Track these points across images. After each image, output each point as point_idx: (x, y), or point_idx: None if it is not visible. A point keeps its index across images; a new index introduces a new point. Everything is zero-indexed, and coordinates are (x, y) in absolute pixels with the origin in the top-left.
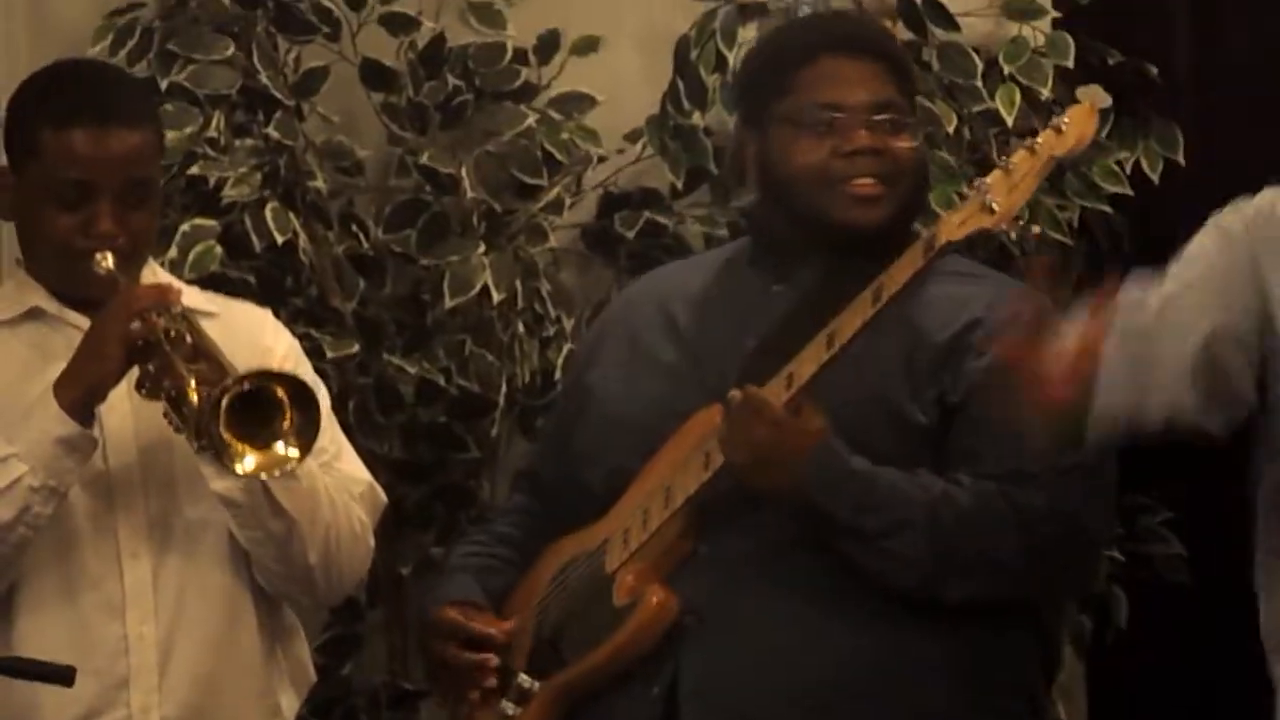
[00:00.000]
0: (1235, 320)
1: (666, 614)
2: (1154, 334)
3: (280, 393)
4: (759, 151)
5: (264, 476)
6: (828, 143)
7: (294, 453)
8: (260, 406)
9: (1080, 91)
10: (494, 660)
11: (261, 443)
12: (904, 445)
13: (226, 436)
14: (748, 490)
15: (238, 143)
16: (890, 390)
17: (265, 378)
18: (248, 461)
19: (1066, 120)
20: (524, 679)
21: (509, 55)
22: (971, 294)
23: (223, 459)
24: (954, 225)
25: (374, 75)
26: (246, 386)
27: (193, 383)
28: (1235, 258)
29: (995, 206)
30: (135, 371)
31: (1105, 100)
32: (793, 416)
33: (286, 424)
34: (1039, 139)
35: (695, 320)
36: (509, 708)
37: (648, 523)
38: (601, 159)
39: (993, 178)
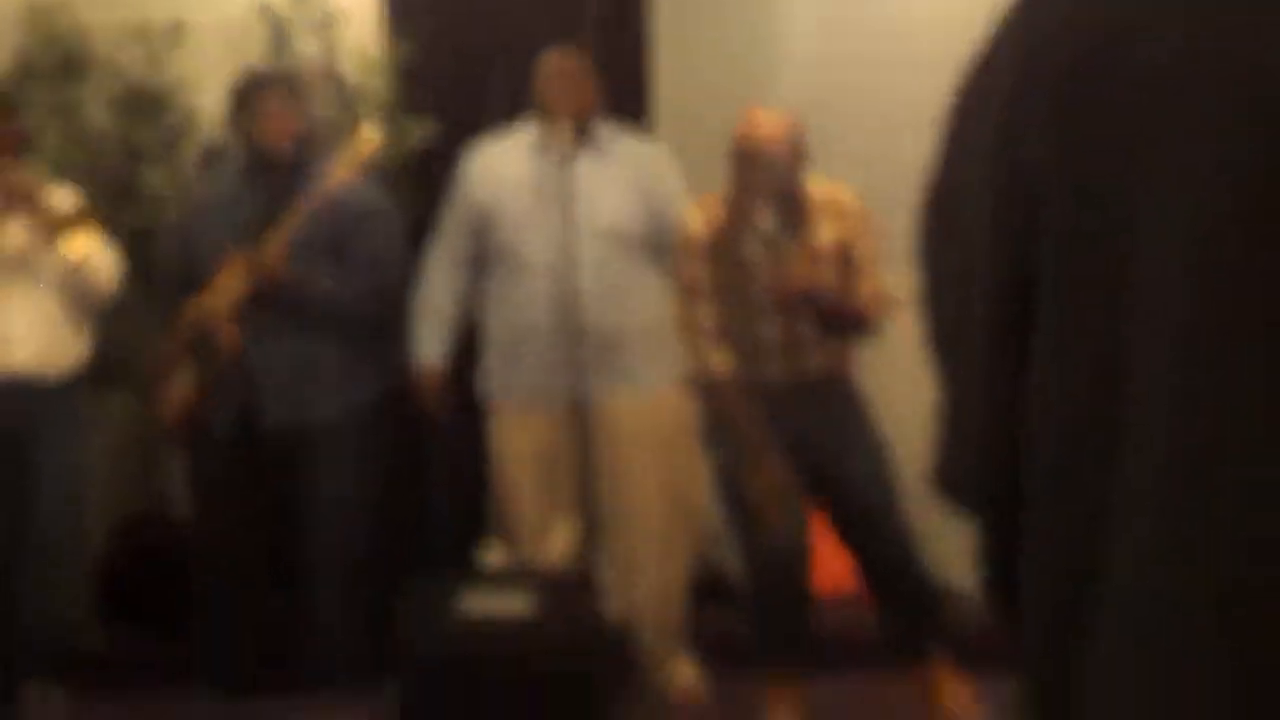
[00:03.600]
0: None
1: (238, 341)
2: None
3: (83, 217)
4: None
5: (75, 252)
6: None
7: (88, 241)
8: (75, 222)
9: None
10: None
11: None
12: None
13: (62, 235)
14: None
15: None
16: None
17: (77, 212)
18: (70, 244)
19: (360, 141)
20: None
21: None
22: None
23: (57, 246)
24: None
25: None
26: (68, 214)
27: (46, 216)
28: None
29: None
30: None
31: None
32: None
33: (86, 230)
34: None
35: None
36: (181, 380)
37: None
38: None
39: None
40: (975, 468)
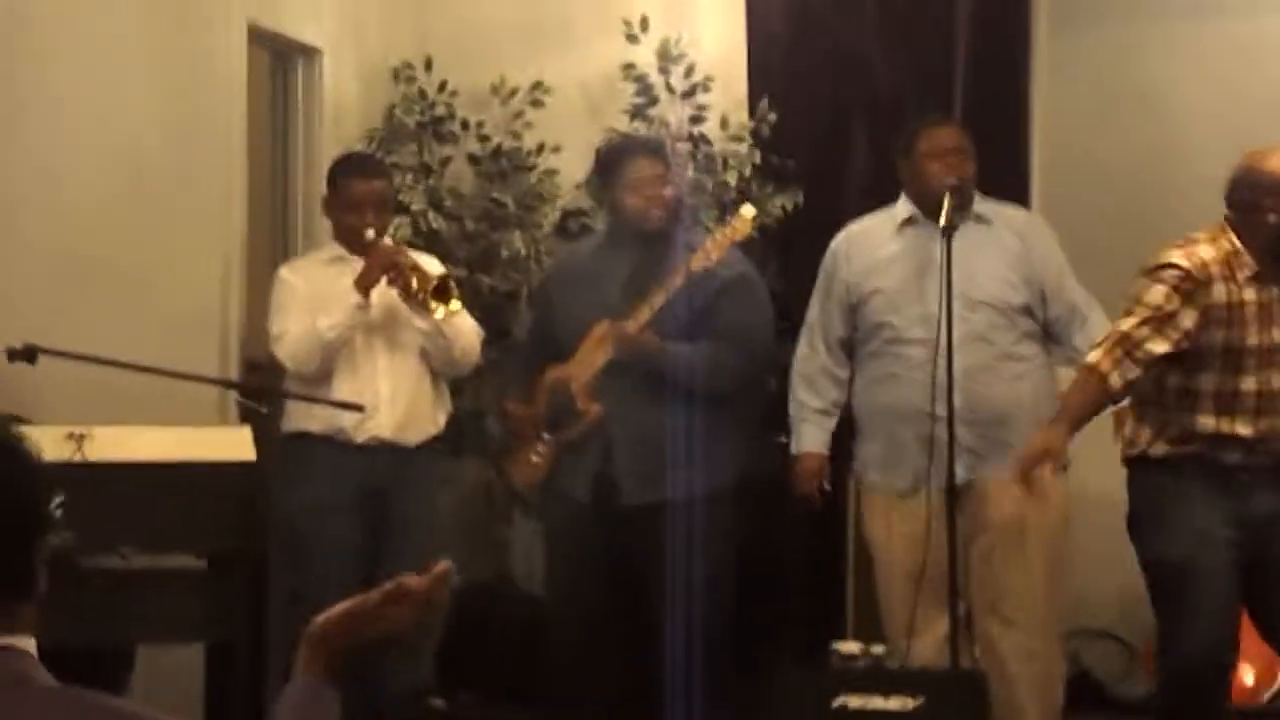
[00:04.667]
0: None
1: (599, 413)
2: None
3: (450, 283)
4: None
5: (439, 316)
6: (643, 193)
7: (454, 307)
8: (442, 290)
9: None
10: (531, 423)
11: (440, 303)
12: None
13: (429, 301)
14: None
15: None
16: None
17: (442, 279)
18: (437, 313)
19: (737, 221)
20: (545, 435)
21: None
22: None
23: (424, 311)
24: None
25: None
26: (434, 282)
27: (413, 280)
28: None
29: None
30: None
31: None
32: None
33: (452, 296)
34: (730, 227)
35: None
36: (538, 446)
37: (587, 371)
38: None
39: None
40: None
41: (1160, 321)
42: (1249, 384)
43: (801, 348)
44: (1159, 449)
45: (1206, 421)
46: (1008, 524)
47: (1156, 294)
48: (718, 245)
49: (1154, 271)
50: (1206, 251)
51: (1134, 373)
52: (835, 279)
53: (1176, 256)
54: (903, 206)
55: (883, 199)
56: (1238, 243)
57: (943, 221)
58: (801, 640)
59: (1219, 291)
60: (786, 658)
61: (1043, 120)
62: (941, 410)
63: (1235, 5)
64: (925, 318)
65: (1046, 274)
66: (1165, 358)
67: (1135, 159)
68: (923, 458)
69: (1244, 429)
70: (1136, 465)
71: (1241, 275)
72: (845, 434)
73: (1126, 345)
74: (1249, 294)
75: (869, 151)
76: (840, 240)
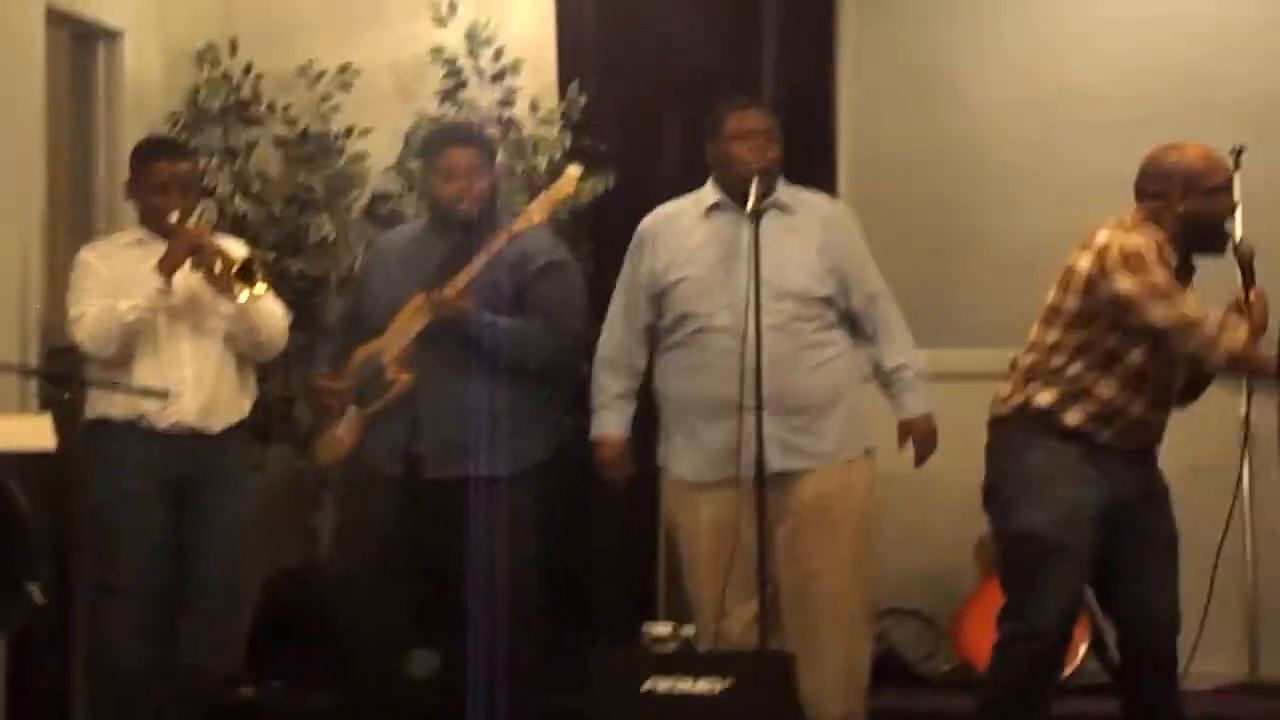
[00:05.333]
0: None
1: (408, 382)
2: None
3: (255, 266)
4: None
5: (244, 300)
6: (458, 183)
7: (260, 290)
8: (246, 272)
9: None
10: (338, 397)
11: (245, 287)
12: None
13: (233, 284)
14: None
15: None
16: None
17: (246, 261)
18: (241, 296)
19: (562, 181)
20: (352, 408)
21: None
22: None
23: (228, 295)
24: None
25: None
26: (239, 265)
27: (217, 263)
28: None
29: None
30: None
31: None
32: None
33: (257, 279)
34: (555, 186)
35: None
36: (344, 420)
37: (400, 342)
38: None
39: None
40: None
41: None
42: (1157, 372)
43: (605, 333)
44: (1062, 412)
45: (1112, 389)
46: (814, 509)
47: (1162, 275)
48: (541, 207)
49: (1142, 259)
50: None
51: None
52: (640, 266)
53: (1142, 242)
54: (710, 191)
55: (695, 181)
56: (1160, 235)
57: (749, 207)
58: (612, 622)
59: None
60: (596, 640)
61: (849, 107)
62: (750, 400)
63: None
64: (731, 306)
65: (850, 264)
66: (1121, 327)
67: (939, 147)
68: (730, 448)
69: (1135, 409)
70: (1015, 426)
71: (1171, 266)
72: (653, 420)
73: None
74: None
75: (680, 134)
76: (646, 225)
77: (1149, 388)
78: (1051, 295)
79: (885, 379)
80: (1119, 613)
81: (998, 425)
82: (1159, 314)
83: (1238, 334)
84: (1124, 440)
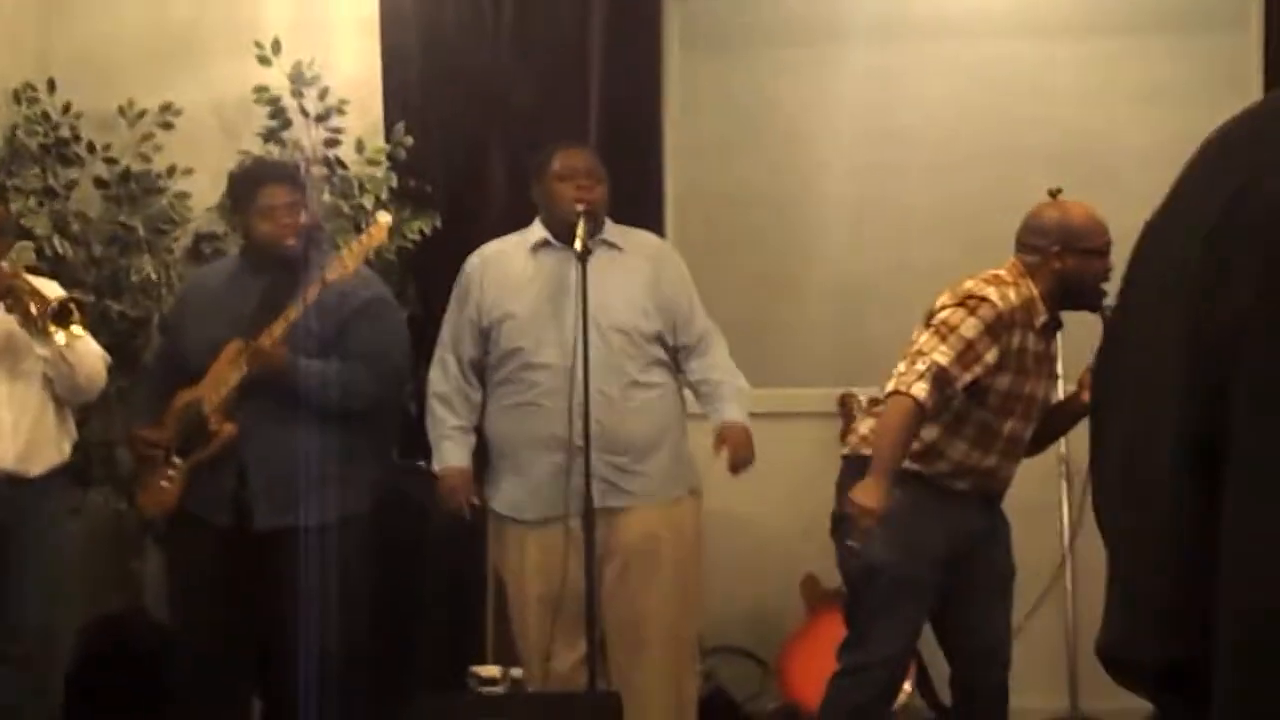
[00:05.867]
0: None
1: (232, 432)
2: None
3: (71, 307)
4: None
5: (62, 343)
6: (276, 220)
7: (77, 332)
8: (62, 314)
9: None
10: (161, 447)
11: (61, 328)
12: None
13: (49, 326)
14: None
15: None
16: None
17: (62, 303)
18: (58, 337)
19: (374, 229)
20: (175, 459)
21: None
22: None
23: (44, 337)
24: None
25: None
26: (54, 306)
27: (31, 305)
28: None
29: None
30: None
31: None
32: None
33: (74, 321)
34: (366, 234)
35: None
36: (169, 471)
37: (220, 391)
38: None
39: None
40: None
41: (973, 357)
42: (1008, 427)
43: (434, 369)
44: (907, 463)
45: (961, 450)
46: (640, 548)
47: (970, 328)
48: (354, 255)
49: (969, 303)
50: (1014, 296)
51: (939, 402)
52: (468, 301)
53: (992, 294)
54: (536, 229)
55: (520, 221)
56: (1035, 289)
57: (578, 246)
58: (440, 665)
59: (1016, 338)
60: (423, 684)
61: (675, 147)
62: (579, 438)
63: (866, 32)
64: (559, 344)
65: (678, 301)
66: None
67: (764, 188)
68: (558, 486)
69: (988, 463)
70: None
71: (1037, 322)
72: (482, 457)
73: (944, 379)
74: (1034, 343)
75: (506, 174)
76: (474, 262)
77: (999, 444)
78: (915, 334)
79: (707, 390)
80: (953, 644)
81: (853, 460)
82: (935, 351)
83: (889, 439)
84: (975, 487)
